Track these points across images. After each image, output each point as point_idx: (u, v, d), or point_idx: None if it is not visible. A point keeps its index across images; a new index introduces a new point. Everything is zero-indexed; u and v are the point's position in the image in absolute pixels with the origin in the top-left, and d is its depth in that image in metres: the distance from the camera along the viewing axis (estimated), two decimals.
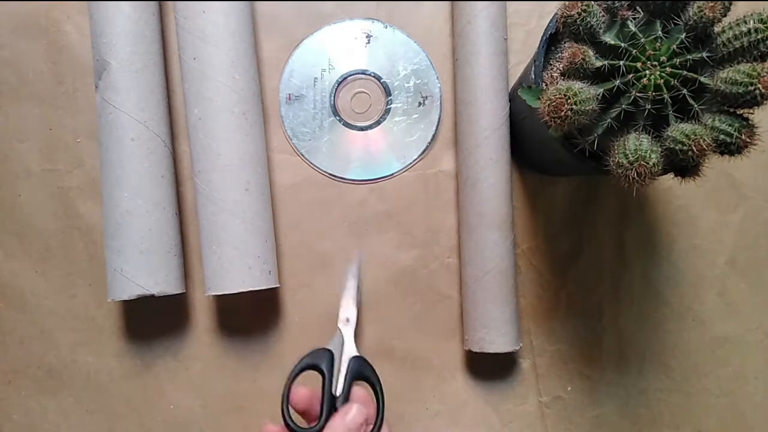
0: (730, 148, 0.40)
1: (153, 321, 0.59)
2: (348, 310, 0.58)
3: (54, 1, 0.60)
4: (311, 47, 0.61)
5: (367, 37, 0.61)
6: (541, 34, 0.48)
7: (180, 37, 0.54)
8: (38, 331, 0.59)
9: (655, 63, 0.40)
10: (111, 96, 0.53)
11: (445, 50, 0.61)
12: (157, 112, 0.54)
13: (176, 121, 0.59)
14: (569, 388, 0.59)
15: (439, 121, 0.60)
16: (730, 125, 0.39)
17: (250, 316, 0.59)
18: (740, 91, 0.38)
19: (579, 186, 0.60)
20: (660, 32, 0.40)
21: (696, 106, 0.40)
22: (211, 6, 0.53)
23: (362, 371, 0.54)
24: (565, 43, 0.48)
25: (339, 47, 0.61)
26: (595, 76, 0.41)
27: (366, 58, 0.61)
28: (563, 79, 0.43)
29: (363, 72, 0.61)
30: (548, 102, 0.40)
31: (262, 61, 0.60)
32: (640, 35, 0.40)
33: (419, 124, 0.60)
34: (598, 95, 0.40)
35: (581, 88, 0.40)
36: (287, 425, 0.50)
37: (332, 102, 0.60)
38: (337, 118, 0.60)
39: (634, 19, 0.41)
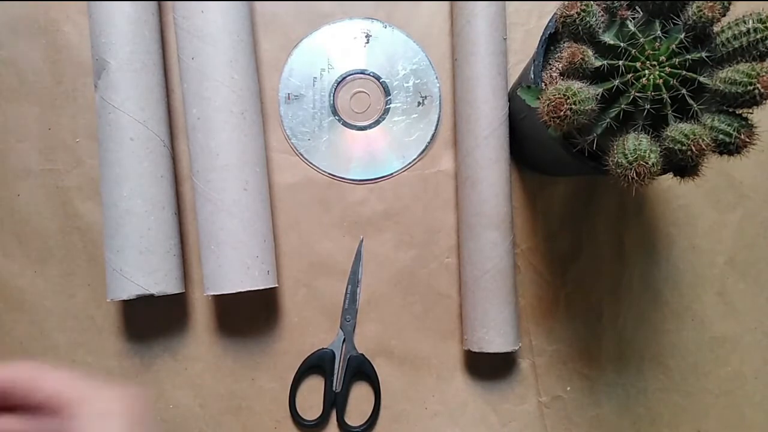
0: (729, 147, 0.40)
1: (152, 321, 0.59)
2: (349, 311, 0.59)
3: (53, 0, 0.60)
4: (310, 47, 0.61)
5: (366, 36, 0.61)
6: (541, 33, 0.48)
7: (179, 36, 0.54)
8: (37, 331, 0.59)
9: (654, 63, 0.40)
10: (110, 95, 0.53)
11: (444, 50, 0.61)
12: (156, 112, 0.54)
13: (175, 121, 0.59)
14: (568, 388, 0.59)
15: (438, 121, 0.60)
16: (729, 125, 0.39)
17: (249, 315, 0.59)
18: (739, 90, 0.38)
19: (578, 186, 0.60)
20: (659, 32, 0.40)
21: (695, 106, 0.40)
22: (210, 6, 0.53)
23: (361, 369, 0.59)
24: (564, 42, 0.48)
25: (338, 47, 0.61)
26: (595, 76, 0.41)
27: (365, 58, 0.61)
28: (562, 79, 0.42)
29: (362, 72, 0.61)
30: (547, 102, 0.40)
31: (261, 61, 0.60)
32: (640, 35, 0.40)
33: (418, 124, 0.60)
34: (598, 95, 0.40)
35: (580, 88, 0.40)
36: (294, 419, 0.59)
37: (331, 102, 0.60)
38: (337, 117, 0.60)
39: (633, 18, 0.41)
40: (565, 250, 0.60)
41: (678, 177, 0.43)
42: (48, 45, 0.60)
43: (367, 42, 0.61)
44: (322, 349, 0.59)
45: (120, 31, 0.53)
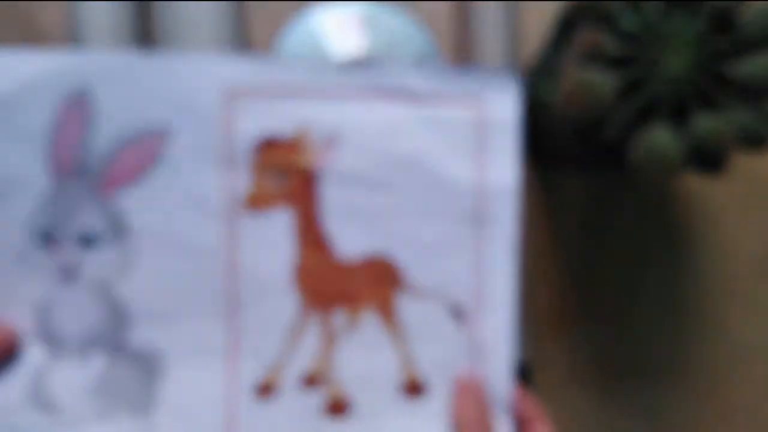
0: (755, 143, 0.39)
1: None
2: None
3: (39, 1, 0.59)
4: (304, 33, 0.59)
5: (365, 21, 0.59)
6: (557, 19, 0.46)
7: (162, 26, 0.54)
8: None
9: (676, 51, 0.38)
10: None
11: (450, 36, 0.59)
12: None
13: None
14: (580, 400, 0.58)
15: None
16: (755, 119, 0.38)
17: None
18: (764, 82, 0.37)
19: (595, 184, 0.59)
20: (681, 20, 0.39)
21: (719, 97, 0.38)
22: None
23: None
24: (581, 29, 0.47)
25: (334, 32, 0.59)
26: (614, 65, 0.40)
27: (365, 45, 0.59)
28: (579, 68, 0.41)
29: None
30: (564, 92, 0.39)
31: (251, 48, 0.59)
32: (661, 23, 0.39)
33: None
34: (617, 85, 0.39)
35: (598, 78, 0.38)
36: None
37: None
38: None
39: (655, 5, 0.39)
40: (579, 252, 0.59)
41: (701, 173, 0.42)
42: (32, 42, 0.59)
43: (367, 28, 0.59)
44: None
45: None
